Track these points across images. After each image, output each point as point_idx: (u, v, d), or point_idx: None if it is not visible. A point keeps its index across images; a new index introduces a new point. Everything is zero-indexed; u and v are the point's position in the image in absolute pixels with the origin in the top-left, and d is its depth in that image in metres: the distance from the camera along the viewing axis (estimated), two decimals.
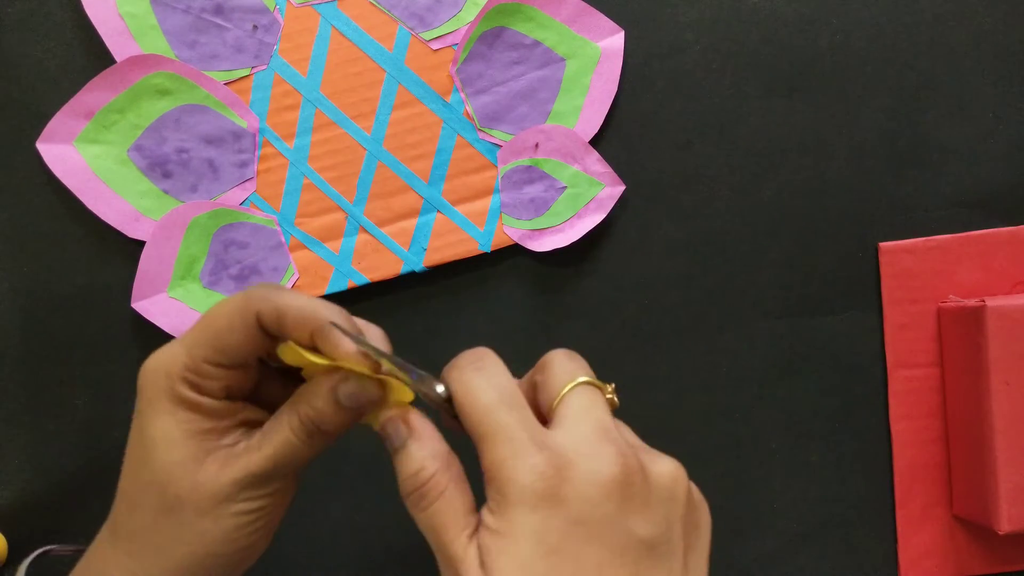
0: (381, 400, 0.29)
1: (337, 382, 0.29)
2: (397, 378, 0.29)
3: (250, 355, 0.30)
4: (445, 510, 0.27)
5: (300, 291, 0.29)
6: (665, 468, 0.28)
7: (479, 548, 0.26)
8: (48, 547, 0.44)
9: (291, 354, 0.29)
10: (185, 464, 0.29)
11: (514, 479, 0.26)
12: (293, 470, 0.30)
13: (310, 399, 0.29)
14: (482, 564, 0.26)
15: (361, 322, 0.31)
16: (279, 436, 0.29)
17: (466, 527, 0.27)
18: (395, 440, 0.29)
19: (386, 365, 0.29)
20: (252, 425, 0.31)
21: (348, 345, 0.28)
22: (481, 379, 0.28)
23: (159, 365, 0.29)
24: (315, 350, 0.29)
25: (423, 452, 0.28)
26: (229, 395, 0.30)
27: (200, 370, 0.29)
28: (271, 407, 0.31)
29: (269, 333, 0.29)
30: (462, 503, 0.27)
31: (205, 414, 0.29)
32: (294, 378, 0.32)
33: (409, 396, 0.29)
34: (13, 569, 0.42)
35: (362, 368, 0.28)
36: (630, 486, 0.26)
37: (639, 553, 0.26)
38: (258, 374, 0.31)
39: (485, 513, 0.27)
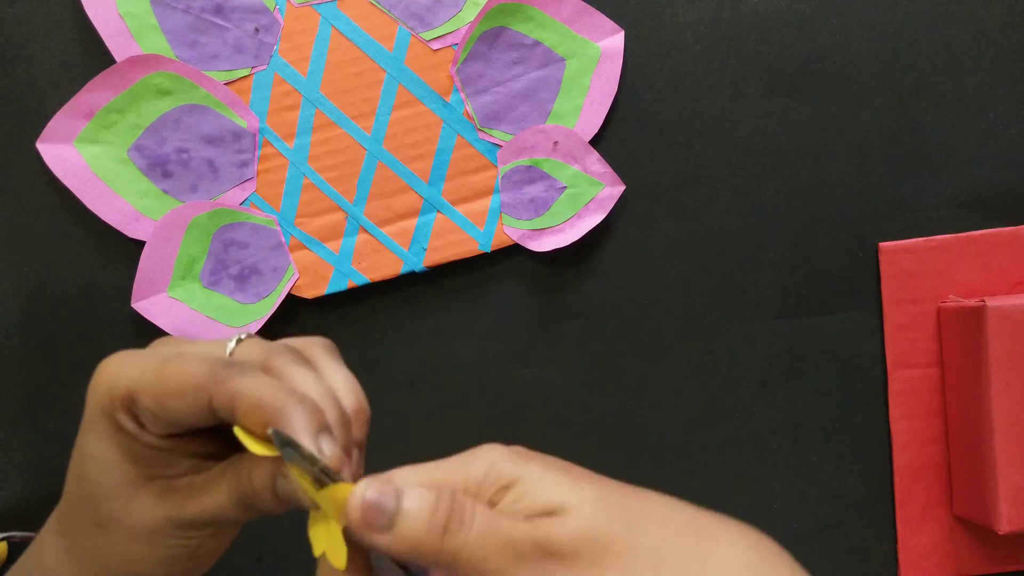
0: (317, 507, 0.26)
1: (277, 473, 0.27)
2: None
3: (193, 425, 0.27)
4: (486, 512, 0.25)
5: (263, 379, 0.27)
6: None
7: (528, 513, 0.25)
8: (9, 534, 0.44)
9: (243, 437, 0.26)
10: (119, 488, 0.28)
11: (490, 461, 0.26)
12: (231, 524, 0.29)
13: (251, 476, 0.27)
14: (544, 514, 0.25)
15: (299, 340, 0.29)
16: (216, 496, 0.28)
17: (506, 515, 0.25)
18: (387, 501, 0.25)
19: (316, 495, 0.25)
20: (198, 457, 0.29)
21: (289, 459, 0.25)
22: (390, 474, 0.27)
23: (108, 381, 0.27)
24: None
25: (422, 486, 0.25)
26: (171, 435, 0.28)
27: (142, 411, 0.27)
28: (217, 441, 0.29)
29: (219, 416, 0.27)
30: (484, 503, 0.26)
31: (144, 445, 0.28)
32: None
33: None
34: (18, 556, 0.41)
35: (304, 482, 0.25)
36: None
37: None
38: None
39: (501, 504, 0.26)
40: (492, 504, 0.26)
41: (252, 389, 0.25)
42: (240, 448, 0.27)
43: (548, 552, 0.24)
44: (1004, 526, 0.44)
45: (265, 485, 0.27)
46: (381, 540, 0.25)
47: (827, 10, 0.49)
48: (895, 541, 0.50)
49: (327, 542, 0.26)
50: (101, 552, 0.29)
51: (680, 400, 0.50)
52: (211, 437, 0.29)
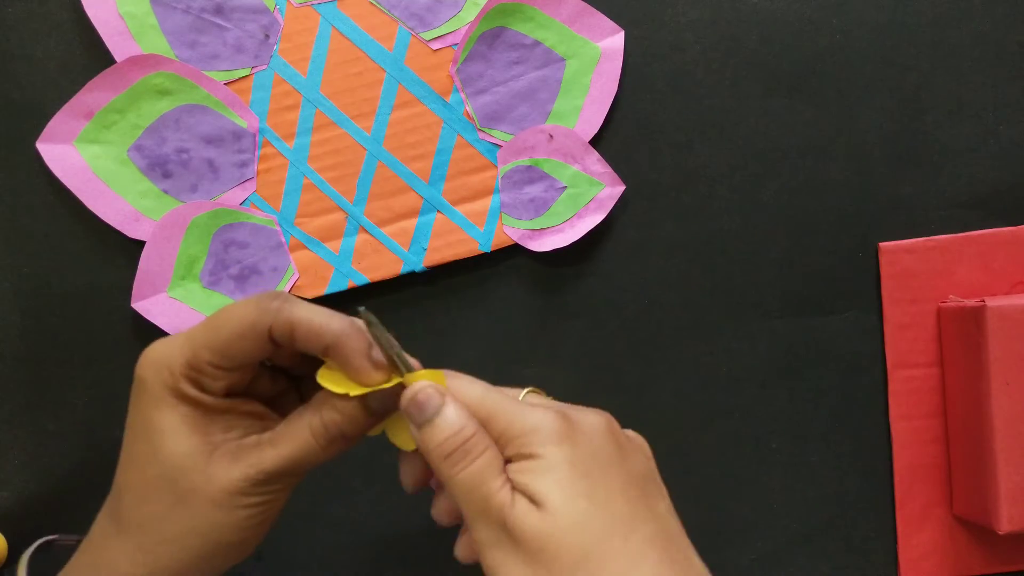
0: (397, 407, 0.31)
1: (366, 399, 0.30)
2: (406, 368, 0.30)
3: (255, 361, 0.30)
4: (488, 465, 0.28)
5: (311, 304, 0.30)
6: (631, 431, 0.33)
7: (523, 489, 0.28)
8: (51, 536, 0.44)
9: (330, 384, 0.30)
10: (195, 457, 0.29)
11: (535, 426, 0.29)
12: (305, 471, 0.31)
13: (337, 405, 0.30)
14: (531, 499, 0.28)
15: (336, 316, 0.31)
16: (298, 438, 0.30)
17: (505, 480, 0.29)
18: (428, 408, 0.29)
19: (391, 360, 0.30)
20: (251, 417, 0.31)
21: (362, 362, 0.29)
22: (462, 380, 0.30)
23: (161, 359, 0.29)
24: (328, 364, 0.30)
25: (462, 414, 0.29)
26: (228, 393, 0.31)
27: (203, 370, 0.29)
28: (262, 399, 0.32)
29: (279, 344, 0.29)
30: (499, 460, 0.29)
31: (206, 410, 0.30)
32: (286, 374, 0.33)
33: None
34: (13, 568, 0.41)
35: (389, 383, 0.30)
36: (617, 435, 0.31)
37: (642, 482, 0.30)
38: (254, 370, 0.32)
39: (515, 466, 0.29)
40: (508, 458, 0.29)
41: (306, 312, 0.29)
42: (288, 400, 0.32)
43: (506, 528, 0.28)
44: (1004, 526, 0.44)
45: (356, 406, 0.30)
46: (412, 432, 0.30)
47: (827, 10, 0.49)
48: (895, 541, 0.50)
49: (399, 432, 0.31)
50: (181, 530, 0.29)
51: (680, 400, 0.50)
52: (260, 397, 0.32)
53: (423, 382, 0.30)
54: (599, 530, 0.28)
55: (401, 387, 0.30)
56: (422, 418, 0.29)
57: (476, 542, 0.29)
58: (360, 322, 0.29)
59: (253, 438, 0.30)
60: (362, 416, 0.30)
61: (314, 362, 0.31)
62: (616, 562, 0.27)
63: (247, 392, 0.32)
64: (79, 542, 0.32)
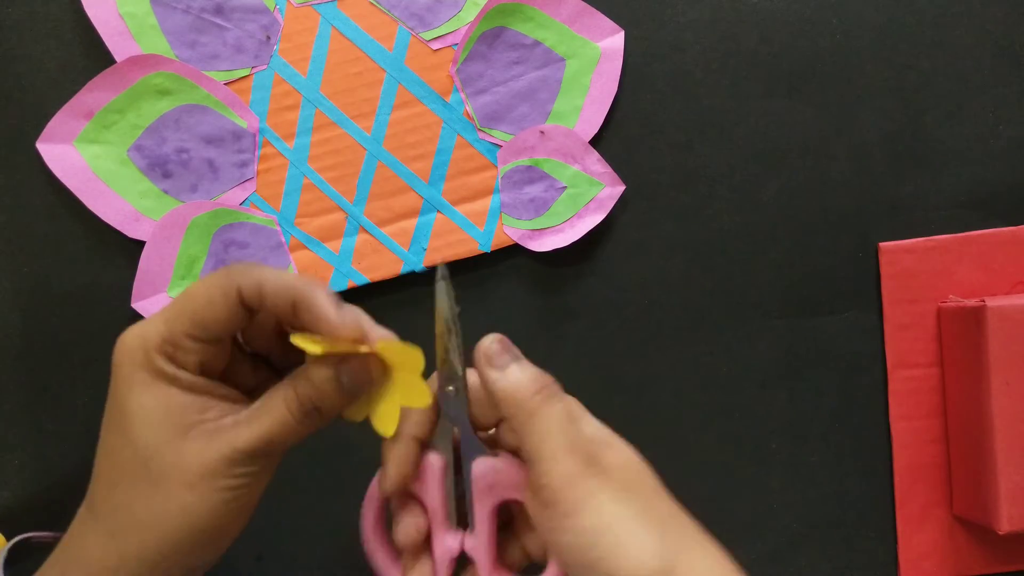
0: (376, 382, 0.31)
1: (339, 363, 0.30)
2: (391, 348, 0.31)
3: (228, 330, 0.30)
4: (572, 405, 0.31)
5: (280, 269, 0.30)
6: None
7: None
8: (27, 535, 0.44)
9: (303, 342, 0.29)
10: (167, 438, 0.29)
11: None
12: (281, 449, 0.30)
13: (311, 378, 0.30)
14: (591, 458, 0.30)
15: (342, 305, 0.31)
16: (274, 414, 0.29)
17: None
18: (509, 353, 0.31)
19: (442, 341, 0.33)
20: (227, 401, 0.31)
21: (330, 313, 0.29)
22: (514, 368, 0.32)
23: (135, 339, 0.29)
24: (302, 328, 0.30)
25: (535, 368, 0.31)
26: (203, 371, 0.30)
27: (178, 343, 0.29)
28: (243, 390, 0.32)
29: (249, 308, 0.29)
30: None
31: (181, 387, 0.29)
32: (264, 361, 0.33)
33: (418, 366, 0.31)
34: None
35: (366, 348, 0.30)
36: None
37: (666, 493, 0.32)
38: (229, 356, 0.32)
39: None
40: None
41: (274, 275, 0.29)
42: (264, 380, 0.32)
43: (596, 459, 0.30)
44: (1004, 526, 0.44)
45: (328, 378, 0.30)
46: (492, 374, 0.31)
47: (827, 10, 0.49)
48: (895, 541, 0.50)
49: (387, 413, 0.32)
50: (152, 515, 0.29)
51: (680, 400, 0.50)
52: (240, 388, 0.32)
53: (492, 336, 0.32)
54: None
55: (372, 359, 0.30)
56: (507, 359, 0.31)
57: (557, 477, 0.29)
58: (323, 286, 0.30)
59: (229, 419, 0.30)
60: (335, 389, 0.30)
61: (291, 351, 0.30)
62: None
63: (226, 379, 0.31)
64: (56, 539, 0.31)
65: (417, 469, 0.33)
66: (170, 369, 0.29)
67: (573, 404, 0.31)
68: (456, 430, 0.33)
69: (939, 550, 0.49)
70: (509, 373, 0.31)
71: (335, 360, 0.30)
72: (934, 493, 0.49)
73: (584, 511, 0.29)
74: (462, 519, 0.34)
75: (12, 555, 0.44)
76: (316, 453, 0.48)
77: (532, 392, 0.30)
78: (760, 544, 0.50)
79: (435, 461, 0.33)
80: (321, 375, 0.30)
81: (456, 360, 0.33)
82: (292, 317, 0.29)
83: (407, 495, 0.34)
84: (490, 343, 0.31)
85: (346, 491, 0.49)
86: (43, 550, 0.44)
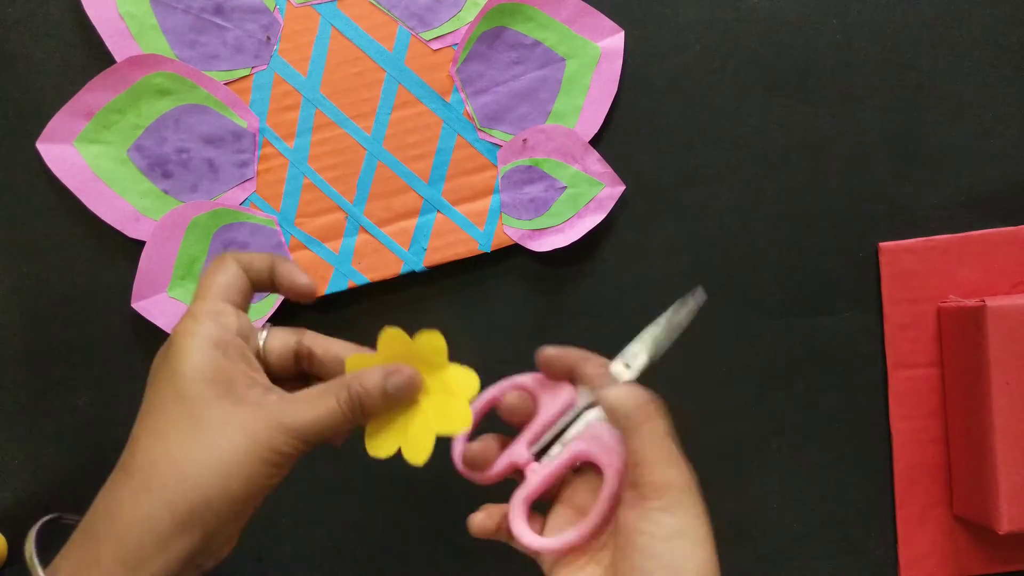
0: (417, 391, 0.34)
1: (388, 371, 0.33)
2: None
3: (258, 289, 0.35)
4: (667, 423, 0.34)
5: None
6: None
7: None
8: (57, 514, 0.44)
9: (358, 360, 0.34)
10: (219, 399, 0.30)
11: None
12: (316, 440, 0.32)
13: (362, 379, 0.33)
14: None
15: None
16: (325, 401, 0.32)
17: None
18: (606, 378, 0.35)
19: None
20: (263, 384, 0.33)
21: (298, 274, 0.34)
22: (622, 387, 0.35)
23: (196, 315, 0.32)
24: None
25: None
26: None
27: (223, 312, 0.32)
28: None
29: (256, 285, 0.34)
30: None
31: (231, 358, 0.31)
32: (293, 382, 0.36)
33: (472, 390, 0.35)
34: (20, 551, 0.41)
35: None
36: None
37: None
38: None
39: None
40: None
41: (254, 254, 0.35)
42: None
43: (683, 468, 0.34)
44: (1004, 526, 0.44)
45: (376, 384, 0.33)
46: (606, 384, 0.34)
47: (827, 10, 0.49)
48: (895, 541, 0.50)
49: (408, 440, 0.34)
50: (195, 465, 0.29)
51: (680, 400, 0.50)
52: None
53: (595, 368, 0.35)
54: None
55: (416, 375, 0.34)
56: (609, 380, 0.35)
57: (660, 476, 0.32)
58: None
59: (273, 397, 0.32)
60: (380, 392, 0.33)
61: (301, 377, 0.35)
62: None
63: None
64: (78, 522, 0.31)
65: (566, 371, 0.36)
66: (226, 336, 0.32)
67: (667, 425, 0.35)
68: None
69: (939, 550, 0.49)
70: (622, 386, 0.34)
71: (384, 367, 0.33)
72: (934, 493, 0.49)
73: (675, 509, 0.32)
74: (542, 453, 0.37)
75: (41, 536, 0.43)
76: (316, 454, 0.48)
77: (645, 402, 0.33)
78: (760, 544, 0.50)
79: (572, 395, 0.36)
80: (373, 377, 0.33)
81: (650, 348, 0.38)
82: (268, 282, 0.34)
83: (534, 400, 0.37)
84: (599, 363, 0.35)
85: (346, 492, 0.49)
86: (68, 529, 0.44)
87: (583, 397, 0.36)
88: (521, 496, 0.36)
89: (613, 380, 0.35)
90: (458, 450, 0.37)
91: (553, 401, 0.36)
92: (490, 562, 0.49)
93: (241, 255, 0.34)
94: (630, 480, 0.33)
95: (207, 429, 0.30)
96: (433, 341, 0.34)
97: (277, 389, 0.33)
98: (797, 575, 0.50)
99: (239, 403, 0.31)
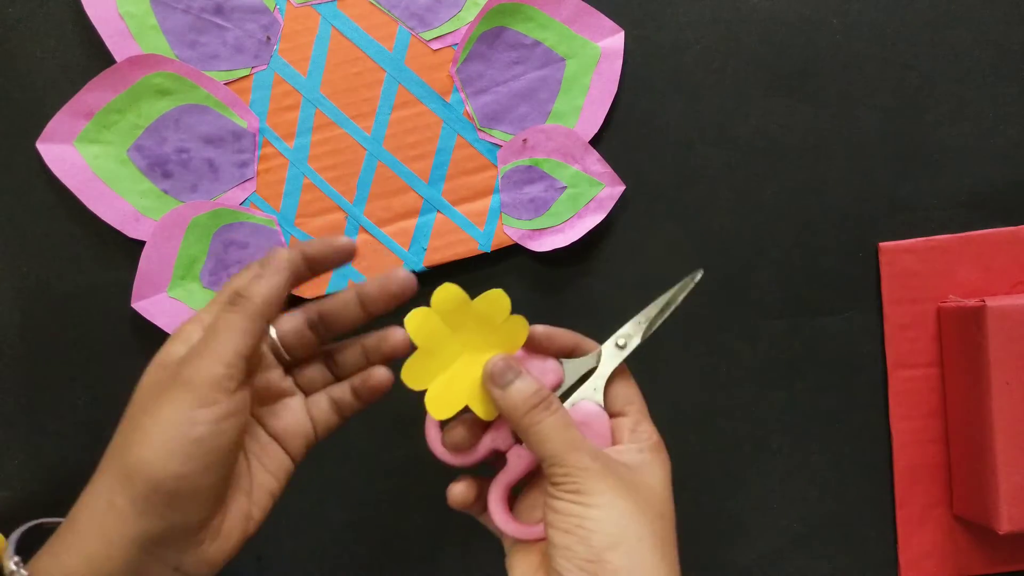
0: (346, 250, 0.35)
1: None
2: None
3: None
4: (567, 413, 0.35)
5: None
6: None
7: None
8: (38, 520, 0.44)
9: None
10: (190, 356, 0.31)
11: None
12: (251, 344, 0.31)
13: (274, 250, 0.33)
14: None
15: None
16: (272, 275, 0.32)
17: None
18: (509, 373, 0.35)
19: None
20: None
21: (329, 242, 0.34)
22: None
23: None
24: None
25: (531, 383, 0.35)
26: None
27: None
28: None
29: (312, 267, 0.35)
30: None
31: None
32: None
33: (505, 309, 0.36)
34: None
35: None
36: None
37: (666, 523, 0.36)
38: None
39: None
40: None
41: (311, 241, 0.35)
42: None
43: (602, 456, 0.34)
44: (1004, 526, 0.44)
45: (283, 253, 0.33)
46: (495, 392, 0.35)
47: (827, 10, 0.49)
48: (895, 541, 0.50)
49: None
50: (162, 426, 0.30)
51: (680, 400, 0.50)
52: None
53: (497, 355, 0.35)
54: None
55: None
56: (504, 381, 0.34)
57: (571, 468, 0.33)
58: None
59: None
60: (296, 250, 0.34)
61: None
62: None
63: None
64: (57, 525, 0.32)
65: (557, 349, 0.37)
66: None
67: (566, 415, 0.35)
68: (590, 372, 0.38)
69: (939, 550, 0.49)
70: (510, 391, 0.34)
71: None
72: (934, 493, 0.49)
73: (594, 495, 0.32)
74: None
75: (23, 543, 0.43)
76: (316, 454, 0.48)
77: (530, 406, 0.34)
78: (760, 544, 0.50)
79: (559, 372, 0.37)
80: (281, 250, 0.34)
81: (644, 330, 0.38)
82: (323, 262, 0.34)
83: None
84: (495, 363, 0.35)
85: (346, 492, 0.49)
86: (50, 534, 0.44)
87: (570, 375, 0.37)
88: (504, 481, 0.36)
89: (512, 378, 0.35)
90: (432, 434, 0.37)
91: (541, 377, 0.36)
92: (490, 562, 0.49)
93: (295, 256, 0.34)
94: (544, 471, 0.34)
95: (152, 413, 0.30)
96: (496, 298, 0.36)
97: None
98: (797, 575, 0.50)
99: (175, 382, 0.31)
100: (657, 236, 0.49)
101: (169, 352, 0.32)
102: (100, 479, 0.31)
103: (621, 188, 0.48)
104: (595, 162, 0.48)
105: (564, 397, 0.37)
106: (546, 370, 0.37)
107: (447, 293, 0.35)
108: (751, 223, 0.49)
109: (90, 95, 0.45)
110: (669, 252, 0.49)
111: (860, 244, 0.49)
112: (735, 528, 0.50)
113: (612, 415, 0.38)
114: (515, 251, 0.49)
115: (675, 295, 0.39)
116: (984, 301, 0.44)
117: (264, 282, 0.32)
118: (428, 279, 0.49)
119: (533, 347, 0.37)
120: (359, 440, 0.49)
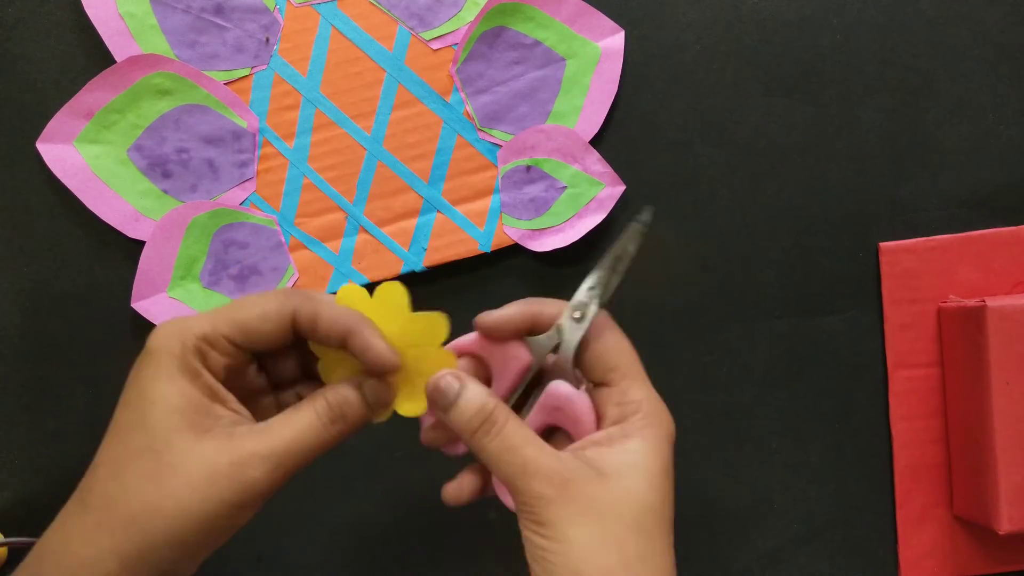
0: (391, 400, 0.33)
1: (363, 377, 0.32)
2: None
3: (270, 345, 0.31)
4: (518, 429, 0.32)
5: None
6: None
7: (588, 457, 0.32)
8: (5, 540, 0.44)
9: (325, 370, 0.33)
10: (184, 434, 0.29)
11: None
12: (296, 462, 0.30)
13: (337, 388, 0.32)
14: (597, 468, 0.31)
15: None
16: (303, 418, 0.31)
17: (543, 443, 0.32)
18: (450, 392, 0.32)
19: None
20: (236, 413, 0.31)
21: (380, 347, 0.31)
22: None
23: (176, 329, 0.30)
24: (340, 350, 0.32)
25: (482, 391, 0.32)
26: (224, 378, 0.31)
27: (216, 343, 0.30)
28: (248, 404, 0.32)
29: (299, 332, 0.31)
30: (526, 427, 0.32)
31: (201, 388, 0.30)
32: (277, 379, 0.35)
33: (443, 335, 0.33)
34: (20, 557, 0.41)
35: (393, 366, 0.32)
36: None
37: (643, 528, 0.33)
38: (248, 364, 0.33)
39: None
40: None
41: (329, 305, 0.31)
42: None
43: (564, 487, 0.31)
44: (1004, 526, 0.44)
45: (352, 390, 0.32)
46: (441, 416, 0.32)
47: (827, 10, 0.49)
48: (895, 541, 0.50)
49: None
50: (146, 510, 0.28)
51: (680, 400, 0.50)
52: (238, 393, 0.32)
53: (443, 371, 0.33)
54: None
55: (392, 379, 0.33)
56: (446, 402, 0.32)
57: (525, 497, 0.31)
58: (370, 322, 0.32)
59: (243, 428, 0.30)
60: (359, 401, 0.32)
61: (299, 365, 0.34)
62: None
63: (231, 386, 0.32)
64: (31, 545, 0.30)
65: (514, 332, 0.34)
66: (196, 365, 0.30)
67: (514, 430, 0.32)
68: (556, 355, 0.35)
69: (939, 550, 0.49)
70: (452, 415, 0.32)
71: (359, 378, 0.32)
72: (934, 493, 0.49)
73: (552, 526, 0.30)
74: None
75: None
76: None
77: (472, 430, 0.32)
78: (760, 544, 0.50)
79: (524, 355, 0.34)
80: (347, 386, 0.32)
81: (599, 295, 0.35)
82: (337, 344, 0.31)
83: (484, 365, 0.35)
84: (432, 384, 0.32)
85: (346, 492, 0.49)
86: (15, 554, 0.44)
87: (540, 352, 0.34)
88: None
89: (452, 399, 0.32)
90: (427, 422, 0.36)
91: (506, 365, 0.34)
92: (491, 562, 0.49)
93: (314, 303, 0.31)
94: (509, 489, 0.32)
95: (168, 469, 0.28)
96: (393, 296, 0.33)
97: (249, 420, 0.31)
98: (797, 575, 0.50)
99: (206, 440, 0.29)
100: (657, 236, 0.49)
101: (160, 388, 0.29)
102: (73, 521, 0.29)
103: (621, 188, 0.48)
104: (595, 162, 0.48)
105: (539, 379, 0.35)
106: (508, 357, 0.34)
107: (343, 292, 0.33)
108: (751, 223, 0.49)
109: (90, 95, 0.45)
110: (669, 252, 0.49)
111: (860, 244, 0.49)
112: (735, 528, 0.50)
113: (596, 385, 0.35)
114: (515, 251, 0.49)
115: (624, 246, 0.35)
116: (984, 301, 0.44)
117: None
118: (428, 279, 0.49)
119: (491, 338, 0.34)
120: (359, 440, 0.49)
